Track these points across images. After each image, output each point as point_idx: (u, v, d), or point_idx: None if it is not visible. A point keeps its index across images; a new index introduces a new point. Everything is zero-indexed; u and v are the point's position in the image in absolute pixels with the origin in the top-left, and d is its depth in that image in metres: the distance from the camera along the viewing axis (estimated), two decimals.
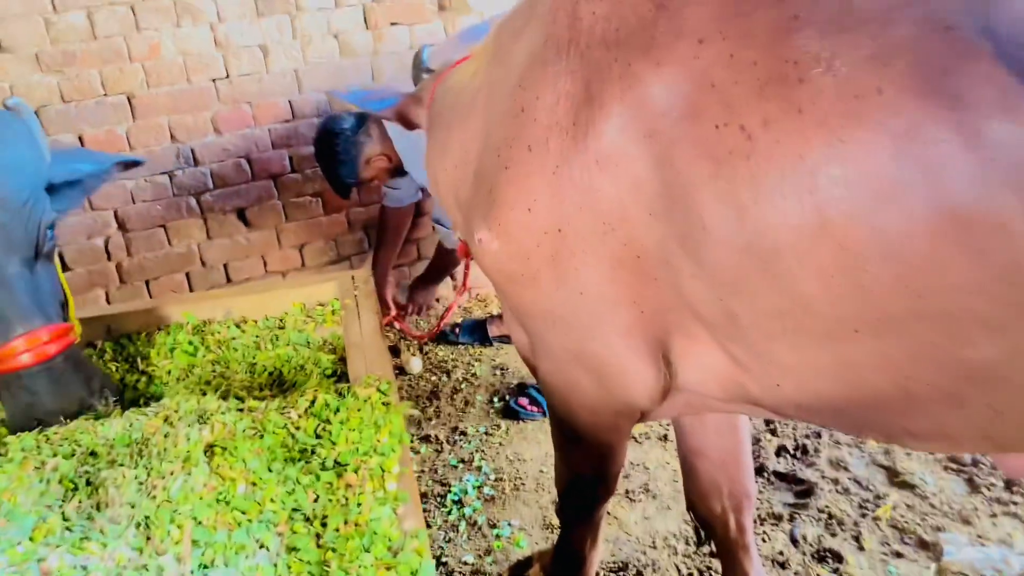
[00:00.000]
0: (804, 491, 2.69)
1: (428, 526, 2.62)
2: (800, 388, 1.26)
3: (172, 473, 1.28)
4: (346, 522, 1.22)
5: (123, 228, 3.30)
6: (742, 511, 1.91)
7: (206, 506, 1.22)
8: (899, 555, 2.39)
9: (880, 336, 1.09)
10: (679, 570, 2.40)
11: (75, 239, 3.21)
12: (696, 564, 2.41)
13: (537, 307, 1.49)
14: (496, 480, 2.84)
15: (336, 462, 1.36)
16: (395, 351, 3.68)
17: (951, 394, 1.10)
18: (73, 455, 1.41)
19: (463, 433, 3.13)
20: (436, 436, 3.12)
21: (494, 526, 2.61)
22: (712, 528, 1.96)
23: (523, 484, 2.80)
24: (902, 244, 1.00)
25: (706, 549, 2.44)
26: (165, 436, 1.41)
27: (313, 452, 1.39)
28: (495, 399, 3.35)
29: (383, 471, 1.32)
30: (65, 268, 3.23)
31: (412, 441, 3.09)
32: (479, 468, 2.91)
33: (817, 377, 1.22)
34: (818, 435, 2.95)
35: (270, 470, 1.32)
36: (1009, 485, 2.59)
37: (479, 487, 2.80)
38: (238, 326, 1.98)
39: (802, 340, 1.18)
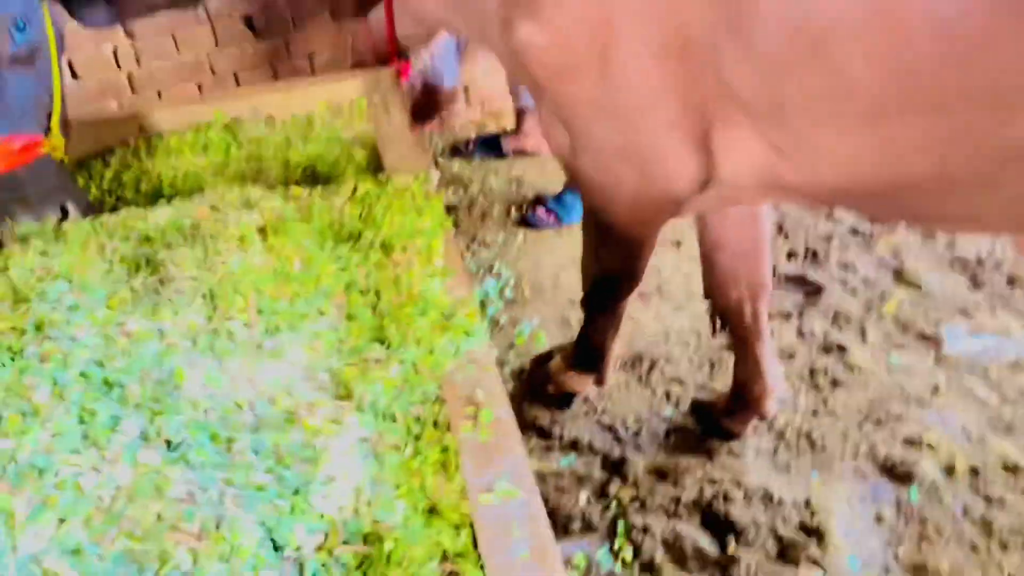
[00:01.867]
0: (813, 291, 2.80)
1: None
2: (839, 172, 1.30)
3: (229, 251, 1.35)
4: (399, 294, 1.31)
5: (130, 36, 3.22)
6: (758, 299, 2.01)
7: (266, 279, 1.30)
8: (901, 346, 2.53)
9: (924, 115, 1.13)
10: (691, 361, 2.55)
11: (82, 46, 3.14)
12: (708, 356, 2.56)
13: (583, 101, 1.50)
14: (516, 284, 2.95)
15: (383, 243, 1.43)
16: None
17: (987, 176, 1.15)
18: (128, 239, 1.48)
19: (482, 242, 3.21)
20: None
21: (515, 324, 2.75)
22: (728, 316, 2.07)
23: (542, 287, 2.92)
24: (955, 21, 1.01)
25: (716, 343, 2.58)
26: (216, 221, 1.47)
27: (360, 235, 1.45)
28: (512, 211, 3.40)
29: (430, 250, 1.39)
30: (74, 76, 3.19)
31: None
32: (499, 274, 3.01)
33: (858, 160, 1.26)
34: (828, 239, 3.03)
35: (322, 249, 1.39)
36: (1011, 281, 2.69)
37: (500, 290, 2.92)
38: (268, 124, 1.99)
39: (847, 123, 1.21)
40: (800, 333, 2.62)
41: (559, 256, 3.09)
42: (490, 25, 1.67)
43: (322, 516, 1.01)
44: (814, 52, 1.15)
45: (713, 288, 2.04)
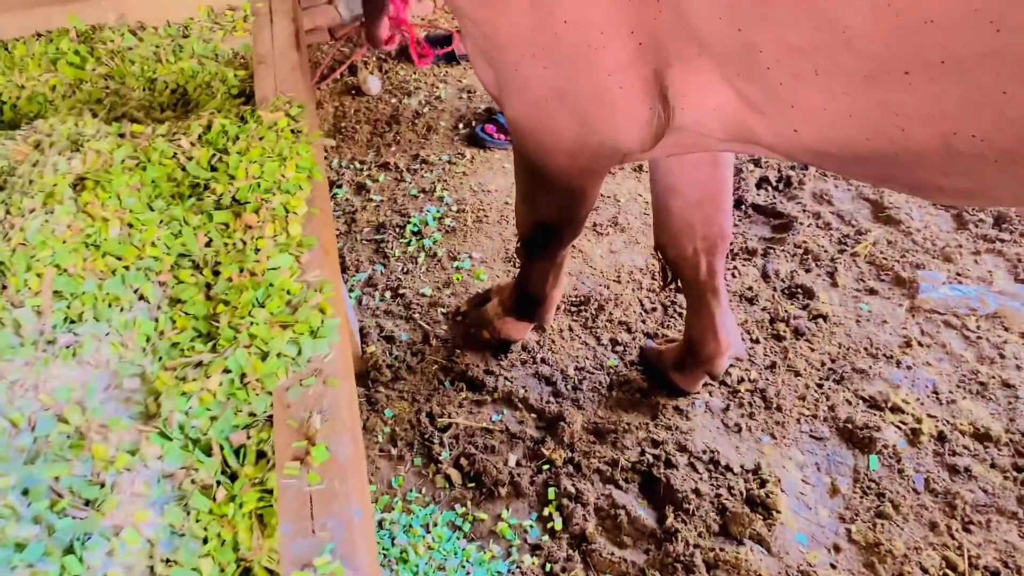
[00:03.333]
0: (782, 225, 2.55)
1: (386, 257, 2.49)
2: (823, 135, 1.05)
3: (32, 211, 1.07)
4: (241, 271, 1.04)
5: None
6: (715, 253, 1.76)
7: (71, 251, 1.03)
8: (873, 292, 2.30)
9: (936, 80, 0.88)
10: (643, 304, 2.32)
11: None
12: (660, 299, 2.32)
13: (513, 36, 1.24)
14: (458, 211, 2.67)
15: (234, 199, 1.15)
16: (352, 69, 3.33)
17: (1004, 151, 0.91)
18: None
19: (424, 161, 2.91)
20: (396, 164, 2.90)
21: (454, 258, 2.49)
22: (681, 270, 1.82)
23: (486, 216, 2.64)
24: None
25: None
26: (33, 166, 1.18)
27: (206, 187, 1.17)
28: (460, 125, 3.08)
29: (287, 211, 1.12)
30: None
31: (369, 169, 2.87)
32: (440, 198, 2.72)
33: (847, 125, 1.01)
34: (804, 167, 2.75)
35: (151, 208, 1.11)
36: (999, 222, 2.45)
37: (440, 218, 2.64)
38: (134, 34, 1.66)
39: (836, 82, 0.96)
40: (764, 274, 2.38)
41: (508, 180, 2.79)
42: None
43: None
44: None
45: (665, 239, 1.78)
